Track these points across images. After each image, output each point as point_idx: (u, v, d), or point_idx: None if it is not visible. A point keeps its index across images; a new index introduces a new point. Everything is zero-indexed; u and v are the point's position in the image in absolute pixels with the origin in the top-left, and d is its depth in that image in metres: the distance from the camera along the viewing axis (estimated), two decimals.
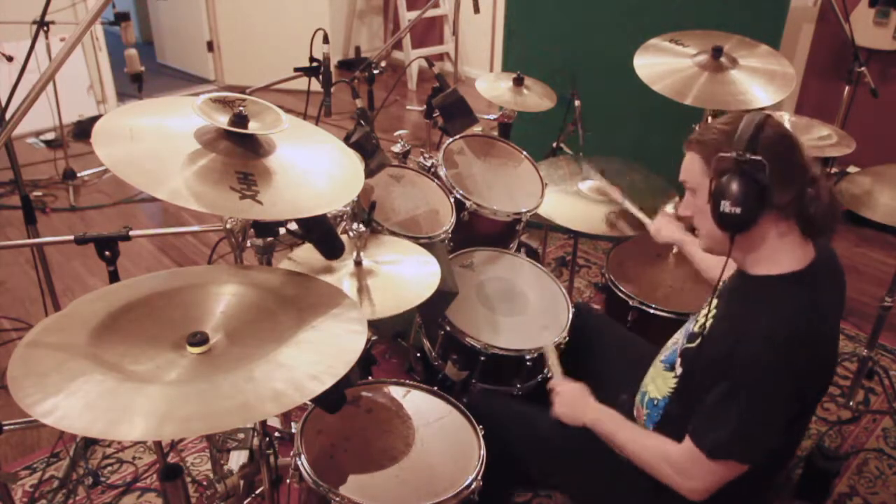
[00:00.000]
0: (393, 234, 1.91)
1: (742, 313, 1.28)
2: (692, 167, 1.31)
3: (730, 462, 1.24)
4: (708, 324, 1.33)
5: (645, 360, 1.53)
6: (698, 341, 1.33)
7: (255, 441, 1.44)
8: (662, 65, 2.19)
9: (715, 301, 1.38)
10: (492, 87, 2.57)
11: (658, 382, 1.44)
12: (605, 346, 1.84)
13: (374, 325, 1.80)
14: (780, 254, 1.26)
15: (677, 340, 1.46)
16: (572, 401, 1.52)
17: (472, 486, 1.36)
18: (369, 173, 1.78)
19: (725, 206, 1.21)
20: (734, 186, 1.20)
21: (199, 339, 1.05)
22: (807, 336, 1.20)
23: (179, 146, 1.22)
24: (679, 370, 1.37)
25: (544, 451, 1.58)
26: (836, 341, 1.32)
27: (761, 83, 2.09)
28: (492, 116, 2.62)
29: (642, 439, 1.39)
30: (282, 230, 1.54)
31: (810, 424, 2.29)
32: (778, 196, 1.21)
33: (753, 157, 1.19)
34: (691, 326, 1.41)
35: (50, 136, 4.30)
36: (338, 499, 1.30)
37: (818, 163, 1.26)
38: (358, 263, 1.65)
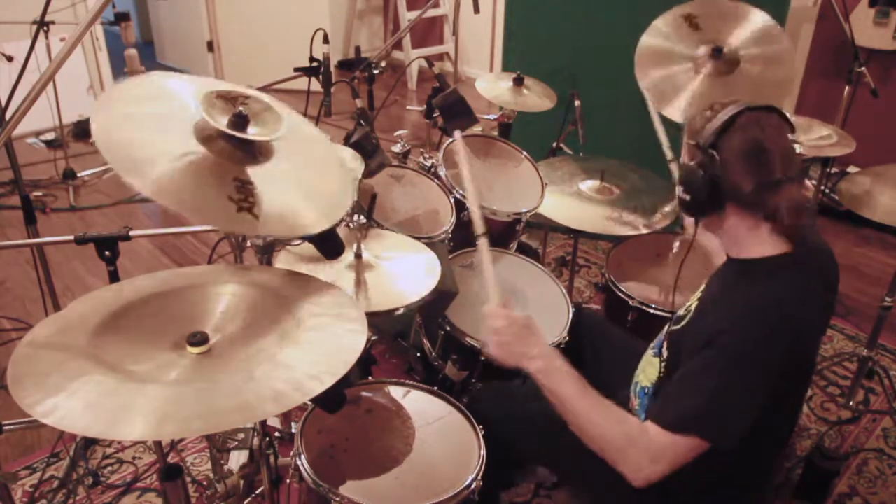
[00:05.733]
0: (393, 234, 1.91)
1: (722, 294, 1.29)
2: (684, 148, 1.33)
3: (691, 437, 1.19)
4: (693, 306, 1.36)
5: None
6: (683, 323, 1.35)
7: (255, 441, 1.44)
8: (662, 52, 2.17)
9: (703, 286, 1.41)
10: (492, 87, 2.57)
11: (648, 371, 1.45)
12: (605, 345, 1.84)
13: (374, 325, 1.80)
14: (758, 243, 1.27)
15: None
16: (515, 342, 1.35)
17: (472, 486, 1.36)
18: (369, 173, 1.78)
19: (679, 190, 1.29)
20: (687, 174, 1.27)
21: (199, 339, 1.05)
22: (783, 317, 1.20)
23: (178, 138, 1.17)
24: (665, 354, 1.38)
25: (545, 450, 1.57)
26: (816, 327, 1.32)
27: (761, 81, 2.09)
28: (492, 116, 2.63)
29: (600, 414, 1.27)
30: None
31: (810, 424, 2.29)
32: (735, 190, 1.23)
33: (709, 149, 1.23)
34: (680, 311, 1.42)
35: (50, 136, 4.30)
36: (338, 499, 1.30)
37: (800, 168, 1.24)
38: (358, 256, 1.65)
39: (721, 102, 1.28)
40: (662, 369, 1.39)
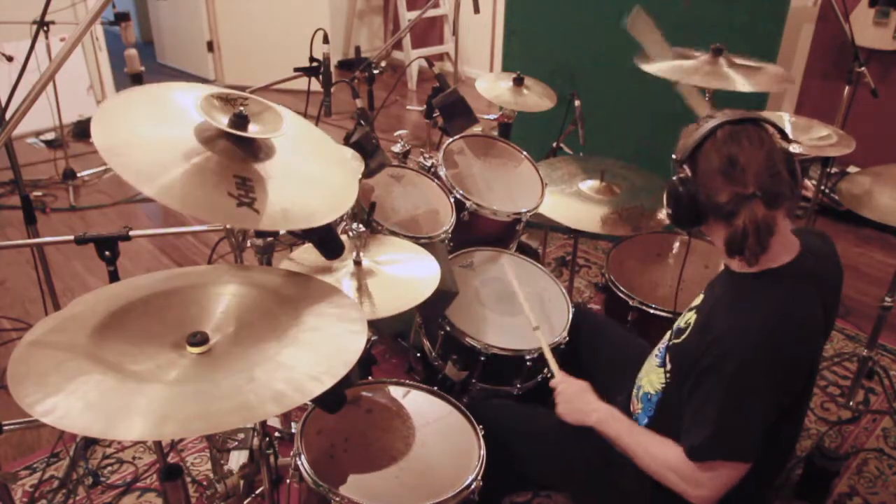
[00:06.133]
0: (393, 233, 1.91)
1: (719, 309, 1.30)
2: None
3: (717, 462, 1.24)
4: (692, 319, 1.36)
5: (643, 359, 1.54)
6: (683, 336, 1.36)
7: (255, 441, 1.44)
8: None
9: (701, 296, 1.41)
10: (492, 87, 2.57)
11: (651, 377, 1.45)
12: (605, 346, 1.84)
13: (374, 325, 1.80)
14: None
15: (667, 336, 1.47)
16: (575, 400, 1.50)
17: (472, 486, 1.36)
18: (369, 173, 1.78)
19: (664, 202, 1.33)
20: (668, 188, 1.31)
21: (199, 339, 1.05)
22: (782, 331, 1.21)
23: (178, 142, 1.19)
24: (669, 366, 1.39)
25: (544, 451, 1.58)
26: (817, 336, 1.32)
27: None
28: (492, 116, 2.62)
29: (648, 446, 1.36)
30: (282, 230, 1.54)
31: (810, 424, 2.29)
32: (713, 204, 1.25)
33: (685, 164, 1.27)
34: (680, 322, 1.43)
35: (50, 136, 4.30)
36: (338, 499, 1.30)
37: (778, 182, 1.23)
38: (358, 263, 1.65)
39: (708, 116, 1.29)
40: (667, 380, 1.39)
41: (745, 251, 1.24)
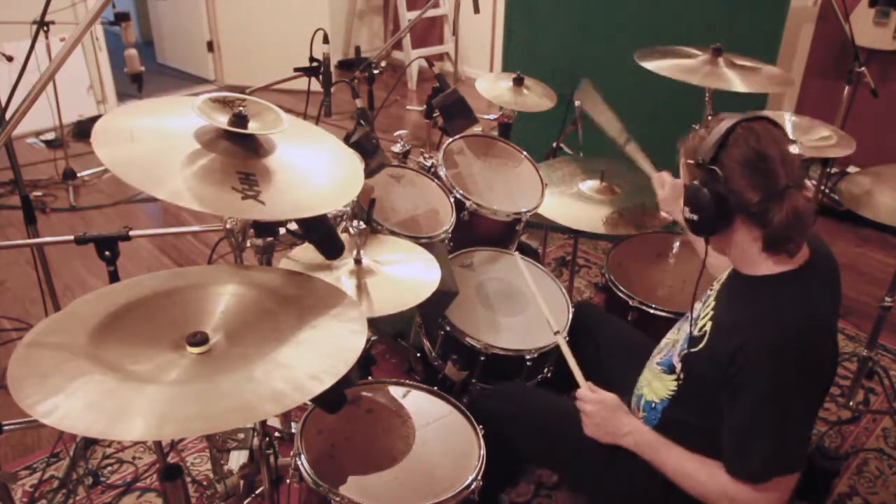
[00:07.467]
0: (393, 233, 1.91)
1: (743, 316, 1.27)
2: (682, 169, 1.35)
3: (777, 479, 1.22)
4: (707, 326, 1.33)
5: (646, 355, 1.53)
6: (701, 345, 1.32)
7: (255, 441, 1.44)
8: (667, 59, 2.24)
9: (713, 303, 1.37)
10: (492, 87, 2.57)
11: (655, 385, 1.43)
12: (605, 341, 1.83)
13: (374, 325, 1.80)
14: (765, 257, 1.26)
15: (672, 342, 1.45)
16: (607, 423, 1.43)
17: (472, 486, 1.36)
18: (369, 173, 1.78)
19: (686, 211, 1.27)
20: (693, 194, 1.25)
21: (199, 339, 1.05)
22: (810, 334, 1.20)
23: (179, 146, 1.22)
24: (681, 375, 1.36)
25: (545, 451, 1.57)
26: (836, 335, 1.32)
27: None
28: (492, 116, 2.62)
29: (692, 471, 1.32)
30: (282, 230, 1.54)
31: None
32: (742, 203, 1.23)
33: (710, 166, 1.22)
34: (692, 330, 1.38)
35: (50, 136, 4.30)
36: (338, 499, 1.30)
37: (801, 172, 1.24)
38: (358, 262, 1.65)
39: (714, 118, 1.28)
40: (679, 388, 1.37)
41: (790, 242, 1.22)
